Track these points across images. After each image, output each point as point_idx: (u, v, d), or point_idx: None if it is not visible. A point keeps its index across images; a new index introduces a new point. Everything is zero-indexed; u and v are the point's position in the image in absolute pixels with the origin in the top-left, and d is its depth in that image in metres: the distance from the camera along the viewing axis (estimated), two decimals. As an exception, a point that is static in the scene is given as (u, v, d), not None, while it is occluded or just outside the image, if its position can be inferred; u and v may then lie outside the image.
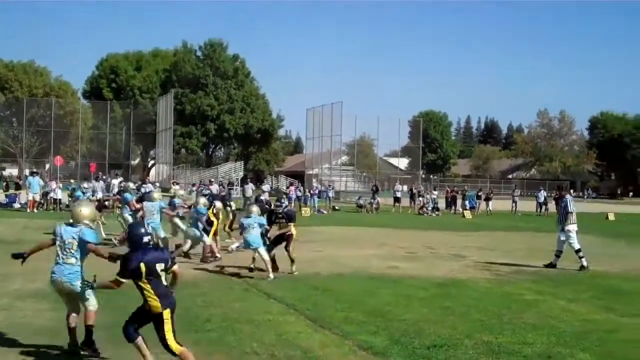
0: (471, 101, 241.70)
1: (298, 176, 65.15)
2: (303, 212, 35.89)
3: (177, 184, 35.10)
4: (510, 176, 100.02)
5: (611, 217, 40.58)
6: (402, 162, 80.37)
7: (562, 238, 16.31)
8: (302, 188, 47.38)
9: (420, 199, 44.02)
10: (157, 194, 17.77)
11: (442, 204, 45.17)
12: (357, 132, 65.96)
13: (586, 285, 13.85)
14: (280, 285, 12.83)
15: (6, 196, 37.12)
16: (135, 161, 78.61)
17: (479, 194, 46.74)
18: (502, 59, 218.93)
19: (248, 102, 76.16)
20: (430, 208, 42.16)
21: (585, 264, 15.86)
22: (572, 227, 16.36)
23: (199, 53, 76.94)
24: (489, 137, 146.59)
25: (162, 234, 16.44)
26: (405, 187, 50.75)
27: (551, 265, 16.08)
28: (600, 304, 11.81)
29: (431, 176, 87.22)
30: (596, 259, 17.23)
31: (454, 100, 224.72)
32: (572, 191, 68.62)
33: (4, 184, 44.39)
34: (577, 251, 16.14)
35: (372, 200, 43.06)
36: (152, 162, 75.95)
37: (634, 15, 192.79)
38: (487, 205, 44.61)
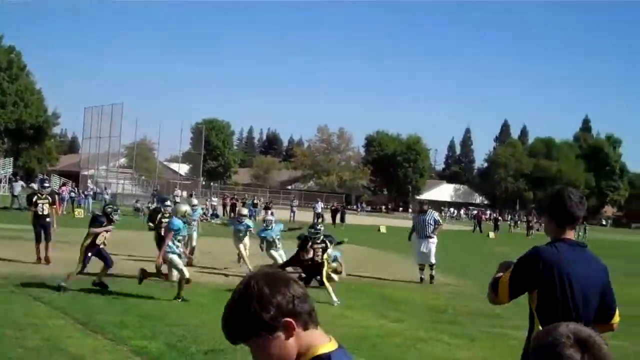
0: (254, 112, 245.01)
1: (72, 176, 62.23)
2: (76, 213, 34.21)
3: None
4: (289, 187, 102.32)
5: (383, 229, 42.62)
6: (183, 168, 79.55)
7: (424, 250, 16.98)
8: (76, 189, 45.34)
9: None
10: None
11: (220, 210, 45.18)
12: (137, 135, 64.34)
13: (363, 293, 14.33)
14: (48, 287, 11.99)
15: None
16: None
17: (254, 202, 47.36)
18: (286, 73, 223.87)
19: (22, 96, 71.83)
20: (209, 215, 41.92)
21: (431, 275, 17.11)
22: (435, 240, 17.31)
23: (-30, 42, 71.56)
24: (270, 148, 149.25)
25: None
26: (184, 193, 50.22)
27: (423, 280, 17.02)
28: (375, 310, 12.21)
29: (212, 183, 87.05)
30: (372, 268, 18.01)
31: (237, 110, 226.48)
32: (347, 205, 71.76)
33: None
34: (433, 265, 17.17)
35: (149, 205, 42.05)
36: None
37: (415, 41, 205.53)
38: (267, 213, 45.11)
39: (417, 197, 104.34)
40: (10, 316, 9.49)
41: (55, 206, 16.69)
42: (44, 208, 15.82)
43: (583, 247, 3.91)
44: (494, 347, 9.92)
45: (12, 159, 67.76)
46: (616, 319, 3.93)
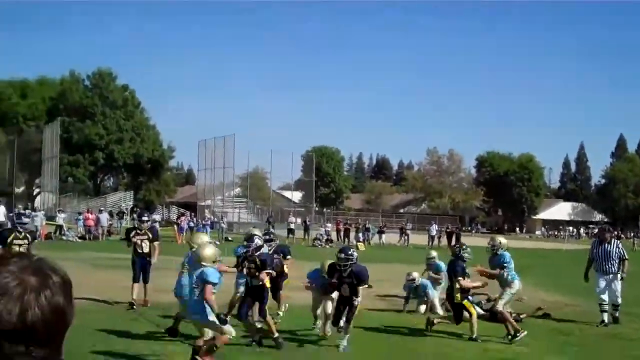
0: (363, 138, 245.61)
1: (190, 207, 63.99)
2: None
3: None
4: (401, 210, 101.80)
5: (499, 250, 41.52)
6: (296, 195, 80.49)
7: (607, 287, 14.00)
8: (194, 219, 46.64)
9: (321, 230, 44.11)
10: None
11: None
12: (249, 165, 65.68)
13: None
14: (170, 313, 12.19)
15: None
16: (20, 189, 75.42)
17: (367, 226, 47.37)
18: (392, 97, 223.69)
19: (138, 132, 74.68)
20: (324, 240, 42.15)
21: (615, 316, 14.17)
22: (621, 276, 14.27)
23: (87, 82, 75.08)
24: (380, 173, 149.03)
25: None
26: (299, 220, 50.72)
27: (603, 323, 13.72)
28: (499, 331, 11.74)
29: (324, 209, 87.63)
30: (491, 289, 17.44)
31: (346, 137, 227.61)
32: (462, 226, 70.60)
33: None
34: (618, 306, 14.25)
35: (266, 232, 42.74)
36: (37, 190, 73.15)
37: (520, 59, 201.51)
38: (380, 237, 45.09)
39: (533, 217, 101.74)
40: None
41: (156, 242, 14.74)
42: (143, 245, 14.14)
43: None
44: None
45: (132, 192, 70.50)
46: None
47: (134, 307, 13.26)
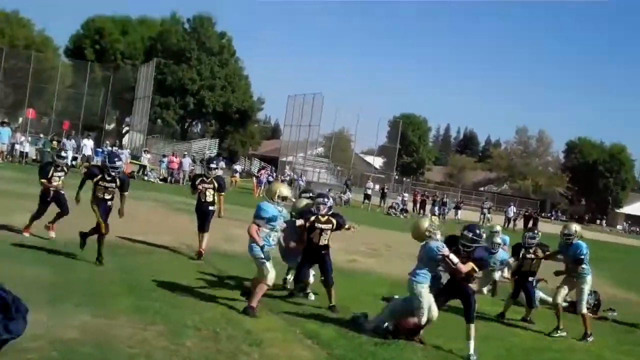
0: (453, 110, 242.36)
1: (272, 161, 64.73)
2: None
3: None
4: (482, 188, 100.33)
5: (580, 241, 40.66)
6: (377, 161, 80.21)
7: None
8: (274, 174, 47.23)
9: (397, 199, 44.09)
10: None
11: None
12: (335, 126, 65.72)
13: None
14: (233, 263, 12.60)
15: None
16: (111, 126, 77.61)
17: (444, 200, 47.03)
18: (487, 72, 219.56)
19: (230, 81, 75.51)
20: (399, 209, 42.10)
21: None
22: None
23: (186, 26, 76.09)
24: (466, 147, 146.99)
25: None
26: (377, 186, 50.73)
27: None
28: (554, 322, 11.64)
29: (404, 178, 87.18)
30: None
31: (435, 107, 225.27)
32: (542, 212, 69.24)
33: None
34: None
35: (342, 195, 43.01)
36: (126, 128, 75.13)
37: (618, 46, 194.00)
38: (457, 213, 44.73)
39: (617, 210, 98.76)
40: (193, 289, 10.05)
41: (222, 193, 13.63)
42: (207, 194, 13.29)
43: None
44: None
45: (217, 140, 71.69)
46: None
47: (202, 258, 12.94)
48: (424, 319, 8.55)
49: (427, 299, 8.59)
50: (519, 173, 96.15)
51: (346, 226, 10.45)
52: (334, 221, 10.03)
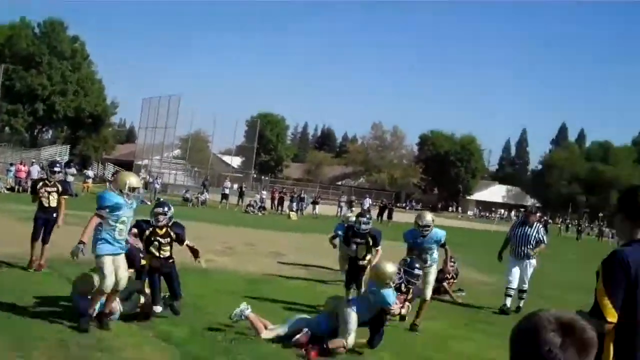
0: (310, 108, 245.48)
1: (127, 165, 63.23)
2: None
3: None
4: (339, 183, 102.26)
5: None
6: (236, 161, 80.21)
7: (518, 272, 13.20)
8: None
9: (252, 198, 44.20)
10: None
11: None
12: (192, 127, 65.09)
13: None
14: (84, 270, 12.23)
15: None
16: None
17: (301, 196, 47.68)
18: (342, 71, 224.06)
19: (82, 85, 73.36)
20: (257, 207, 42.29)
21: (518, 306, 13.19)
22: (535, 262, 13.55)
23: (37, 30, 73.23)
24: (324, 144, 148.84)
25: None
26: (235, 185, 50.72)
27: (504, 311, 12.85)
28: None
29: (263, 176, 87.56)
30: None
31: (293, 106, 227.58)
32: (397, 203, 71.46)
33: None
34: (524, 292, 13.40)
35: (199, 195, 42.77)
36: (-29, 138, 71.42)
37: (462, 42, 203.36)
38: (314, 208, 45.45)
39: (468, 197, 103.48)
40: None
41: (65, 196, 12.57)
42: (50, 199, 12.17)
43: None
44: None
45: (69, 146, 69.27)
46: None
47: (31, 268, 11.83)
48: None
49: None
50: (375, 166, 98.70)
51: (196, 256, 9.82)
52: (172, 234, 9.21)
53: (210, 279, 12.87)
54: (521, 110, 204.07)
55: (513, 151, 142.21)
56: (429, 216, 10.90)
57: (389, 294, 8.50)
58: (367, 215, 11.15)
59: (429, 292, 10.70)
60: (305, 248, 21.40)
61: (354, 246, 10.84)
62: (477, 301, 13.93)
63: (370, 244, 10.85)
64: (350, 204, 46.49)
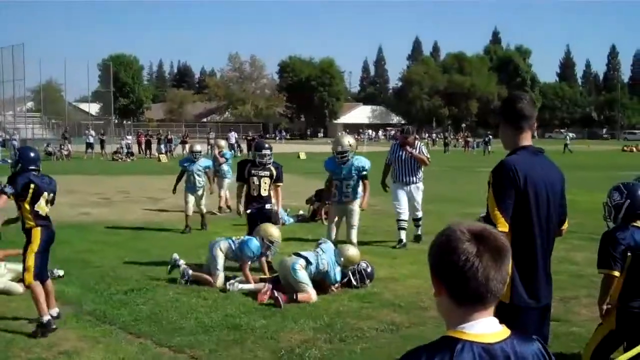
0: (163, 44, 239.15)
1: (-23, 124, 59.80)
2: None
3: None
4: (205, 120, 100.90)
5: (302, 156, 42.81)
6: (94, 108, 77.44)
7: (407, 200, 11.84)
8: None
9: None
10: None
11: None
12: (42, 77, 62.05)
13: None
14: None
15: None
16: None
17: (169, 137, 46.96)
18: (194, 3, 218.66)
19: None
20: (124, 153, 41.28)
21: (416, 234, 12.20)
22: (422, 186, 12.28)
23: None
24: (182, 81, 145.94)
25: None
26: (95, 133, 49.13)
27: (402, 244, 11.57)
28: (290, 231, 12.18)
29: (124, 121, 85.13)
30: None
31: (145, 44, 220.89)
32: (265, 134, 71.35)
33: None
34: (419, 219, 12.31)
35: (62, 148, 41.22)
36: None
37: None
38: (184, 148, 44.87)
39: (335, 121, 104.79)
40: None
41: None
42: None
43: (542, 152, 3.81)
44: (415, 262, 9.93)
45: None
46: (566, 225, 3.98)
47: None
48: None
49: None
50: (238, 99, 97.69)
51: None
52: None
53: (93, 232, 12.58)
54: (375, 29, 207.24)
55: (372, 70, 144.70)
56: (346, 140, 10.06)
57: (338, 272, 8.47)
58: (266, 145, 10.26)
59: (354, 235, 10.00)
60: (181, 190, 21.10)
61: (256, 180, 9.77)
62: (365, 223, 12.31)
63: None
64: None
